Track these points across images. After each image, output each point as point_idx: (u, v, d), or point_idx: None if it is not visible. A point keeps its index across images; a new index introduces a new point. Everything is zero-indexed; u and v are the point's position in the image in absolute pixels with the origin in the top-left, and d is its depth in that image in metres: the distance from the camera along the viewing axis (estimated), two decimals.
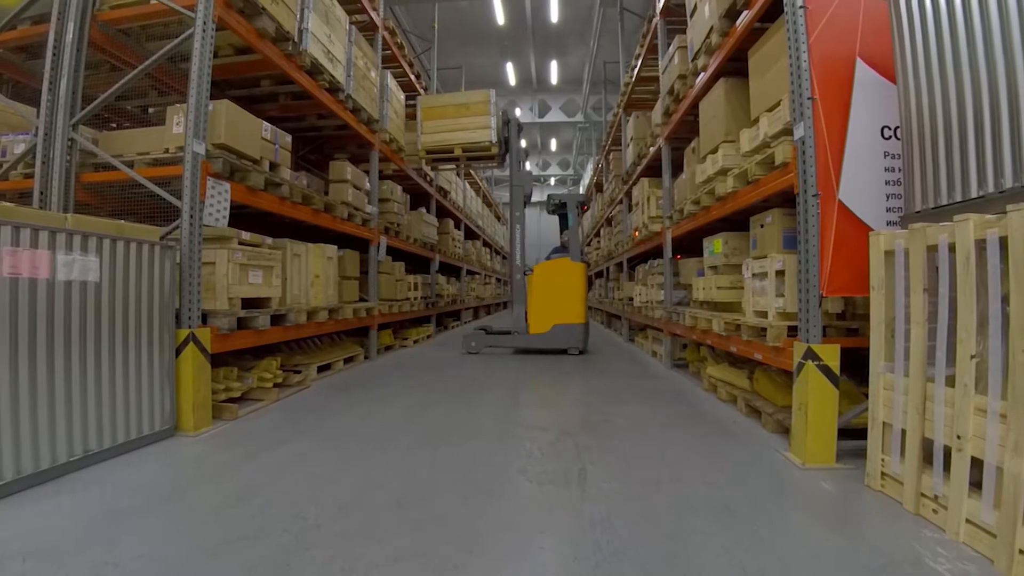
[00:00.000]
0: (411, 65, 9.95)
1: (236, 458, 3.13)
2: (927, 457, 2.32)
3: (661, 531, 2.18)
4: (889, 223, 3.07)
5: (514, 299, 8.08)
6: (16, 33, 4.49)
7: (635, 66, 9.04)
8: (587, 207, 10.69)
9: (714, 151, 4.81)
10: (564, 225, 8.62)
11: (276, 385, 4.83)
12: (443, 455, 3.18)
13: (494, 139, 7.84)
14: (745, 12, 4.01)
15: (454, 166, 9.27)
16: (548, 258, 8.20)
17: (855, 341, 3.17)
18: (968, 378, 2.08)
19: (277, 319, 4.76)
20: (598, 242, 15.09)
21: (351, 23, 6.44)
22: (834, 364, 2.96)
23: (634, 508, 2.41)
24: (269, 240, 4.76)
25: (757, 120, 3.99)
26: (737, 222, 4.71)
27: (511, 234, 8.21)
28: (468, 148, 7.96)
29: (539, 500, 2.53)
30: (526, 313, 7.88)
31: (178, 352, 3.61)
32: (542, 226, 22.19)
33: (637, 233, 8.38)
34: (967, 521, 2.06)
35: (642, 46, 8.51)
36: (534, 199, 8.66)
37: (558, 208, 8.51)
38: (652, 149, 7.58)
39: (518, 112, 21.47)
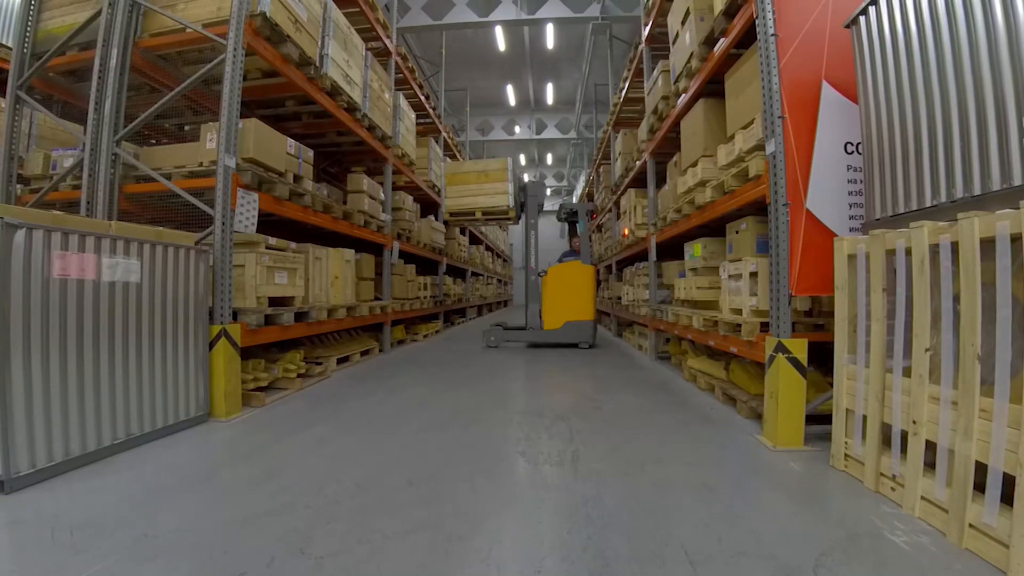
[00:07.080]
0: (421, 87, 9.94)
1: (263, 441, 3.13)
2: (886, 440, 2.32)
3: (646, 506, 2.18)
4: (852, 229, 3.07)
5: (529, 298, 7.99)
6: (65, 58, 4.49)
7: (623, 88, 9.04)
8: (596, 215, 10.61)
9: (694, 165, 4.80)
10: (573, 231, 8.57)
11: (299, 375, 4.83)
12: (450, 438, 3.18)
13: (511, 203, 7.87)
14: (722, 39, 4.01)
15: (475, 224, 9.37)
16: (560, 261, 8.16)
17: (821, 336, 3.17)
18: (923, 369, 2.08)
19: (300, 316, 4.76)
20: (590, 247, 15.03)
21: (367, 49, 6.43)
22: (802, 356, 2.96)
23: (622, 486, 2.41)
24: (293, 244, 4.75)
25: (733, 137, 3.99)
26: (715, 228, 4.71)
27: (526, 240, 8.13)
28: (487, 211, 8.00)
29: (537, 479, 2.52)
30: (540, 311, 7.82)
31: (211, 346, 3.62)
32: (542, 232, 22.13)
33: (626, 232, 8.36)
34: (922, 498, 2.06)
35: (629, 70, 8.51)
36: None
37: (570, 216, 8.45)
38: (638, 163, 7.58)
39: (517, 130, 21.45)
